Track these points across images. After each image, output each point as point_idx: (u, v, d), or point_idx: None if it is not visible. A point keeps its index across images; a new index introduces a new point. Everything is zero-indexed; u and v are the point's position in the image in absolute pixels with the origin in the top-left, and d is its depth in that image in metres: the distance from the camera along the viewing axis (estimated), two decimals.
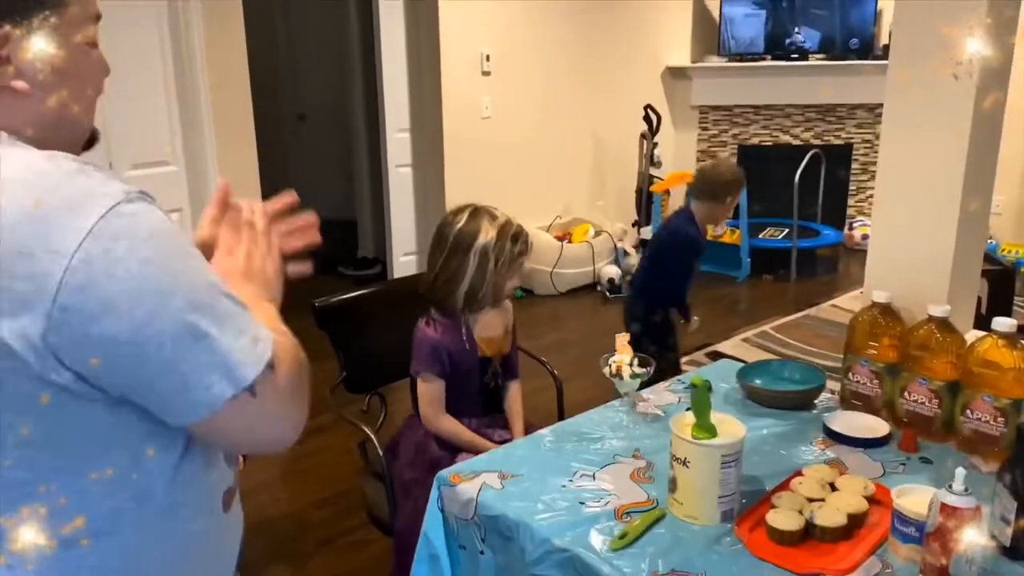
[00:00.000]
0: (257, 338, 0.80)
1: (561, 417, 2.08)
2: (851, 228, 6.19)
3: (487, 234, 1.85)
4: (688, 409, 1.66)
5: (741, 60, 6.16)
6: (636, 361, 1.67)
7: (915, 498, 1.23)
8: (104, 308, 0.70)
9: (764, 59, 6.13)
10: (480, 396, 1.92)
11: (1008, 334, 1.46)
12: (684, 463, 1.30)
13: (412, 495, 1.80)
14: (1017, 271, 4.37)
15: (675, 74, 6.23)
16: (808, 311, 4.84)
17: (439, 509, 1.47)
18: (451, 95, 4.70)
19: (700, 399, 1.28)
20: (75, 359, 0.71)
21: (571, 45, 5.33)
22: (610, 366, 1.68)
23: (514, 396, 1.98)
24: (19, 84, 0.77)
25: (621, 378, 1.66)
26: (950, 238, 1.66)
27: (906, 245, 1.75)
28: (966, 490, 1.09)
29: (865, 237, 6.09)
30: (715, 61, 6.20)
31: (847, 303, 4.98)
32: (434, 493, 1.47)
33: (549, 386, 2.19)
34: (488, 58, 4.85)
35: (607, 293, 5.05)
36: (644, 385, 1.73)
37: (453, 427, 1.87)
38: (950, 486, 1.11)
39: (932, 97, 1.66)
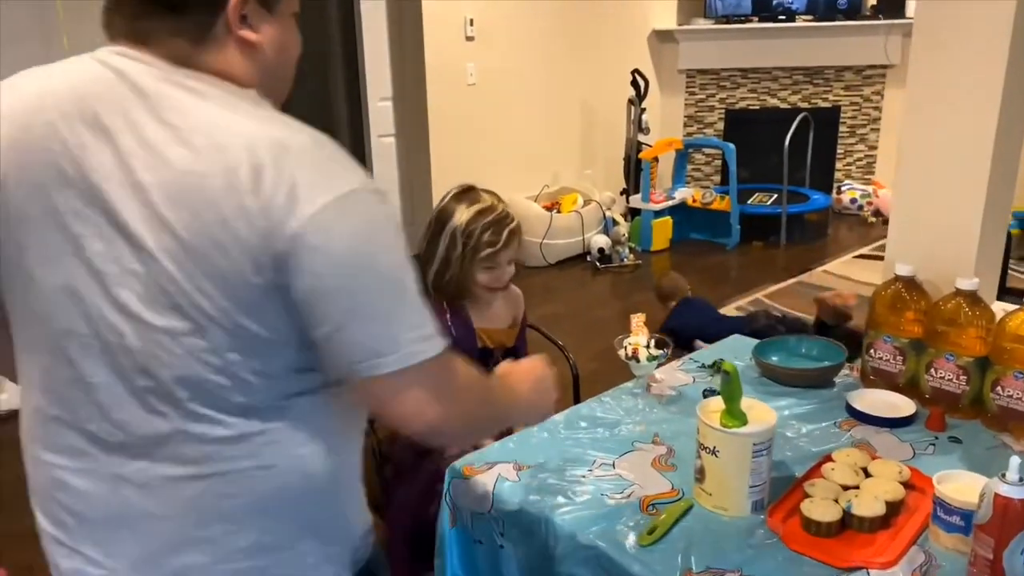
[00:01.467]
0: (434, 332, 0.90)
1: (576, 396, 2.01)
2: (839, 192, 6.15)
3: (459, 217, 1.75)
4: (706, 393, 1.61)
5: (728, 22, 6.05)
6: (652, 342, 1.60)
7: (957, 484, 1.17)
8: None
9: (751, 21, 6.02)
10: None
11: None
12: (713, 452, 1.23)
13: (405, 479, 1.74)
14: (1013, 233, 4.35)
15: (662, 37, 6.12)
16: (800, 277, 4.80)
17: (447, 503, 1.40)
18: (435, 62, 4.56)
19: (732, 385, 1.20)
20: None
21: (557, 8, 5.19)
22: (625, 348, 1.60)
23: None
24: (252, 35, 0.89)
25: (638, 360, 1.59)
26: (978, 205, 1.59)
27: (930, 213, 1.68)
28: (1021, 480, 1.03)
29: (853, 200, 6.06)
30: (702, 23, 6.09)
31: (839, 268, 4.95)
32: (446, 487, 1.40)
33: (556, 359, 2.12)
34: (472, 23, 4.71)
35: (597, 263, 4.98)
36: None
37: None
38: (1003, 475, 1.04)
39: (961, 53, 1.58)
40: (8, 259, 0.89)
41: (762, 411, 1.27)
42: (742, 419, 1.23)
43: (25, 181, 0.86)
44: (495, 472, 1.36)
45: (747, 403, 1.26)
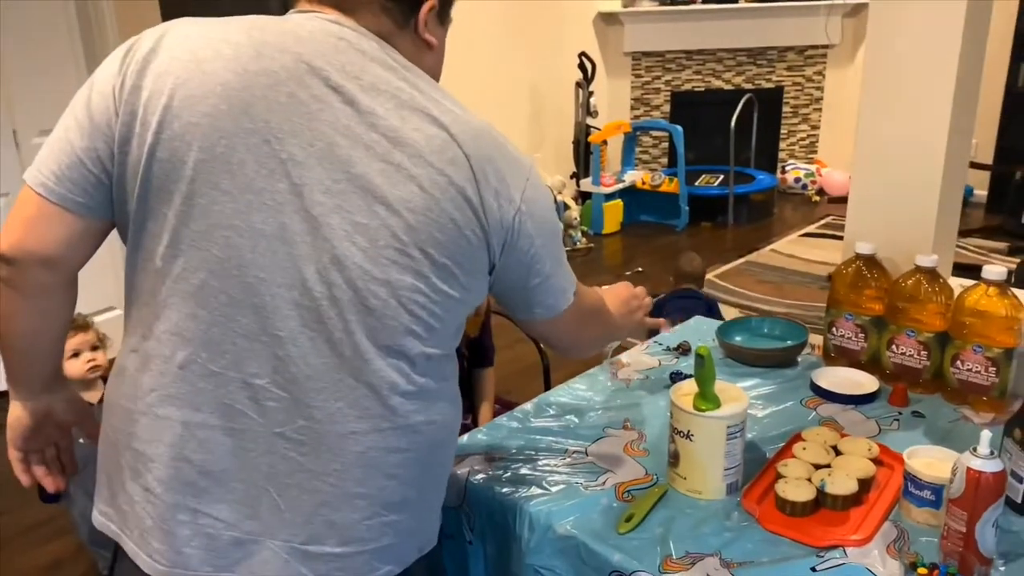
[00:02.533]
0: (571, 273, 1.09)
1: (547, 380, 2.00)
2: (784, 172, 6.24)
3: None
4: (674, 376, 1.61)
5: (673, 4, 6.07)
6: None
7: (927, 459, 1.19)
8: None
9: (695, 2, 6.05)
10: None
11: (998, 282, 1.43)
12: (687, 436, 1.23)
13: None
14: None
15: (607, 19, 6.11)
16: (748, 257, 4.86)
17: None
18: None
19: (706, 369, 1.20)
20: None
21: None
22: None
23: (482, 383, 1.89)
24: (431, 38, 0.99)
25: None
26: (935, 183, 1.62)
27: (889, 192, 1.69)
28: (992, 453, 1.05)
29: (798, 180, 6.16)
30: (646, 5, 6.10)
31: (786, 247, 5.03)
32: None
33: (521, 339, 2.10)
34: None
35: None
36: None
37: None
38: (975, 449, 1.06)
39: (916, 33, 1.59)
40: (190, 201, 0.86)
41: (734, 393, 1.26)
42: (716, 402, 1.22)
43: (240, 125, 0.86)
44: (467, 464, 1.34)
45: (720, 386, 1.26)
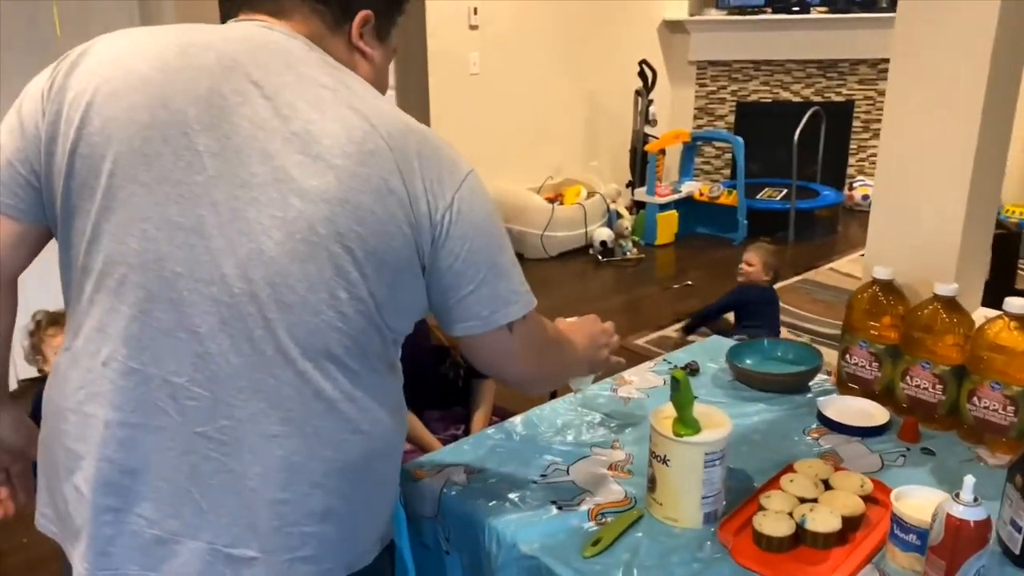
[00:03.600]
0: (527, 291, 1.03)
1: (552, 394, 1.96)
2: (851, 188, 6.04)
3: None
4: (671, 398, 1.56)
5: (741, 13, 5.95)
6: None
7: (916, 500, 1.12)
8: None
9: (764, 12, 5.92)
10: (435, 387, 1.80)
11: (1021, 315, 1.34)
12: (664, 461, 1.19)
13: None
14: (1022, 233, 4.24)
15: (672, 28, 6.02)
16: (805, 275, 4.72)
17: (400, 505, 1.36)
18: (437, 51, 4.51)
19: (682, 393, 1.15)
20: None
21: None
22: None
23: (479, 393, 1.87)
24: (367, 49, 0.99)
25: None
26: (960, 207, 1.53)
27: (911, 215, 1.61)
28: (975, 500, 0.98)
29: (866, 197, 5.95)
30: (714, 14, 5.99)
31: (845, 266, 4.86)
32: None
33: None
34: (476, 11, 4.65)
35: (599, 257, 4.92)
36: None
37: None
38: (957, 495, 0.99)
39: (945, 45, 1.51)
40: (110, 195, 0.88)
41: (717, 418, 1.22)
42: (694, 427, 1.18)
43: (158, 118, 0.87)
44: (444, 476, 1.32)
45: (703, 410, 1.21)
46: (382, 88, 1.03)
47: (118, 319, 0.89)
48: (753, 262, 3.55)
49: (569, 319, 1.32)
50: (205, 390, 0.88)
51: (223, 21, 0.98)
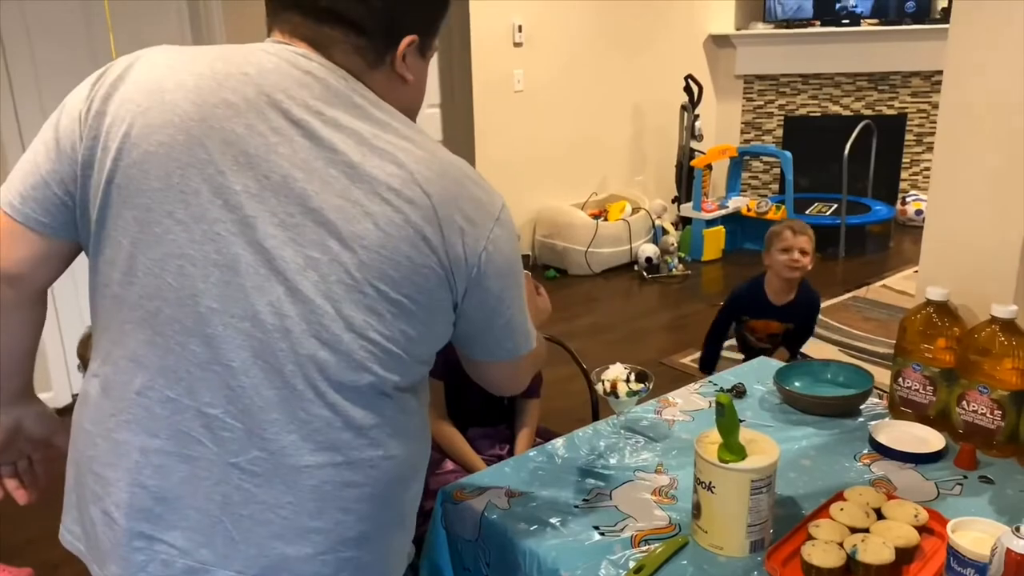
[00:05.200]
0: (532, 328, 1.08)
1: (595, 416, 1.94)
2: (904, 203, 5.90)
3: None
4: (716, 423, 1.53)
5: (788, 27, 5.87)
6: (633, 376, 1.50)
7: (975, 533, 1.08)
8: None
9: (813, 25, 5.83)
10: (480, 404, 1.80)
11: None
12: (709, 488, 1.16)
13: None
14: None
15: (719, 42, 5.97)
16: (856, 292, 4.61)
17: (442, 527, 1.36)
18: (482, 68, 4.54)
19: (727, 418, 1.13)
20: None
21: (607, 13, 5.11)
22: (603, 383, 1.50)
23: (524, 414, 1.86)
24: (408, 75, 0.98)
25: (617, 396, 1.48)
26: (1018, 225, 1.47)
27: (966, 233, 1.56)
28: None
29: (919, 212, 5.80)
30: (761, 28, 5.92)
31: (898, 283, 4.74)
32: (437, 510, 1.36)
33: (579, 373, 2.05)
34: (520, 29, 4.67)
35: (644, 273, 4.88)
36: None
37: (448, 434, 1.79)
38: (1018, 528, 0.95)
39: (1000, 58, 1.46)
40: (147, 229, 0.88)
41: (765, 444, 1.19)
42: (740, 453, 1.15)
43: (196, 156, 0.87)
44: (485, 498, 1.31)
45: (749, 435, 1.19)
46: (420, 99, 1.04)
47: (154, 350, 0.90)
48: (808, 248, 2.74)
49: None
50: (238, 422, 0.90)
51: (267, 28, 0.97)
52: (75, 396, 3.03)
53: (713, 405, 1.62)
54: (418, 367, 0.99)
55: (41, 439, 1.12)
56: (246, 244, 0.87)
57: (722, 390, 1.69)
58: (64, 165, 0.91)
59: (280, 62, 0.92)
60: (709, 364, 2.89)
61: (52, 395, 3.13)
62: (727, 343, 2.93)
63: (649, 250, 4.90)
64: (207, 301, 0.88)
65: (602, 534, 1.22)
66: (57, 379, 3.15)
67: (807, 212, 5.41)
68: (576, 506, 1.29)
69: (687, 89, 5.22)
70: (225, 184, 0.87)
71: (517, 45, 4.69)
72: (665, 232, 5.09)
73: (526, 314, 1.05)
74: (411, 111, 1.01)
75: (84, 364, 2.10)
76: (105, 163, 0.89)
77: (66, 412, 1.10)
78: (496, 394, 1.21)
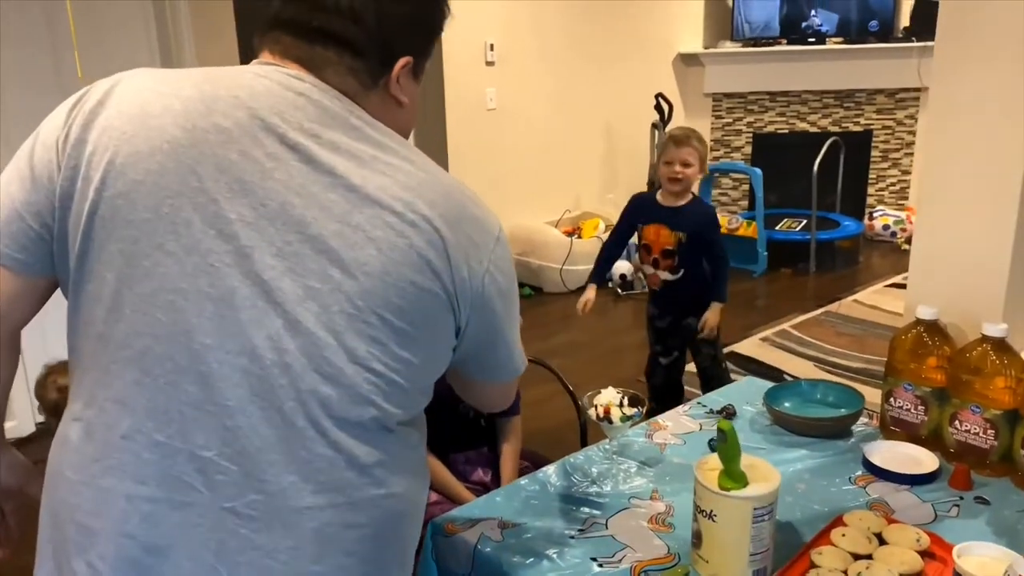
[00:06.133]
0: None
1: (584, 439, 1.91)
2: (871, 218, 5.98)
3: None
4: (712, 444, 1.50)
5: (756, 45, 5.95)
6: (626, 400, 1.47)
7: (980, 558, 1.06)
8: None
9: (780, 43, 5.92)
10: (456, 428, 1.75)
11: None
12: (710, 516, 1.13)
13: None
14: None
15: (687, 61, 6.03)
16: (828, 307, 4.64)
17: (433, 560, 1.31)
18: (454, 86, 4.52)
19: (729, 445, 1.11)
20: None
21: (579, 32, 5.13)
22: (596, 408, 1.47)
23: (510, 433, 1.82)
24: (402, 96, 0.96)
25: (610, 421, 1.45)
26: (1006, 242, 1.48)
27: (954, 250, 1.56)
28: None
29: (886, 227, 5.89)
30: (729, 46, 5.99)
31: (869, 298, 4.78)
32: (427, 543, 1.31)
33: (560, 392, 2.02)
34: (492, 47, 4.67)
35: (619, 290, 4.87)
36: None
37: (431, 464, 1.73)
38: None
39: (986, 73, 1.47)
40: (134, 263, 0.83)
41: (765, 471, 1.16)
42: (742, 480, 1.12)
43: (187, 184, 0.83)
44: (478, 531, 1.27)
45: (749, 461, 1.16)
46: (413, 121, 1.03)
47: (142, 391, 0.85)
48: (692, 160, 2.64)
49: None
50: (234, 464, 0.85)
51: (254, 48, 0.94)
52: (39, 425, 2.93)
53: (703, 427, 1.61)
54: (419, 398, 0.95)
55: (14, 489, 1.06)
56: (242, 276, 0.83)
57: (712, 412, 1.67)
58: (40, 196, 0.86)
59: (272, 84, 0.88)
60: (599, 273, 2.95)
61: (15, 424, 3.01)
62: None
63: (623, 267, 4.90)
64: (201, 337, 0.83)
65: (600, 566, 1.18)
66: (20, 408, 3.04)
67: (777, 228, 5.46)
68: (572, 536, 1.25)
69: (658, 107, 5.26)
70: (219, 213, 0.83)
71: (489, 64, 4.69)
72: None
73: (517, 335, 1.04)
74: (404, 133, 0.99)
75: (44, 406, 1.99)
76: (87, 194, 0.84)
77: (28, 442, 1.04)
78: (486, 412, 1.21)
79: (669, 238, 2.73)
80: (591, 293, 2.81)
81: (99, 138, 0.84)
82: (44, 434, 1.39)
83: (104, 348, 0.86)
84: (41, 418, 2.37)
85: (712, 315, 2.77)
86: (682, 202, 2.74)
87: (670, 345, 2.92)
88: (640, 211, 2.84)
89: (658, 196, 2.80)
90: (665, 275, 2.78)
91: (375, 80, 0.93)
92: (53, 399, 1.88)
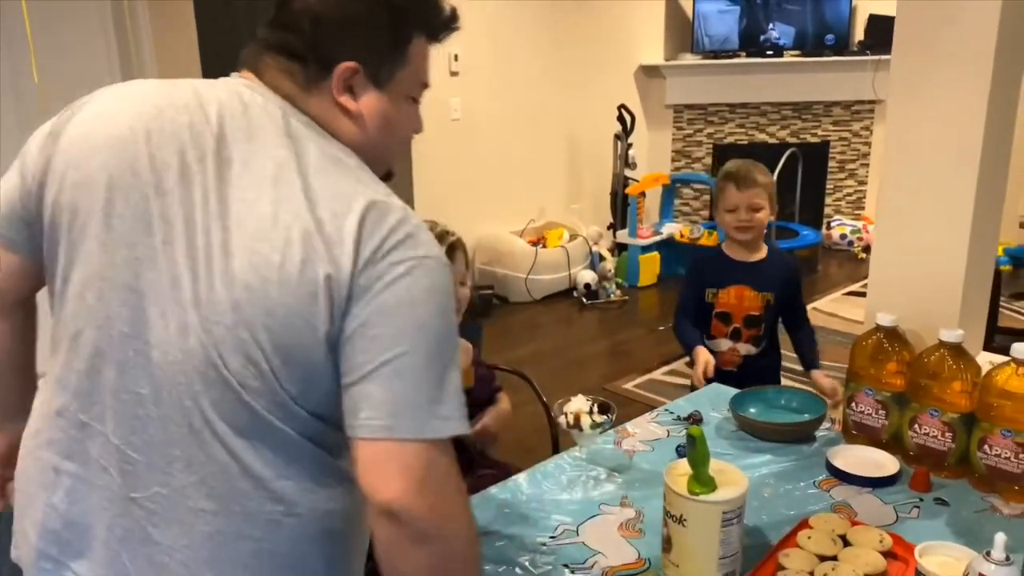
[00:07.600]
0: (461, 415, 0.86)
1: (555, 448, 1.90)
2: (829, 227, 6.10)
3: None
4: (680, 450, 1.52)
5: (715, 57, 6.04)
6: (595, 407, 1.48)
7: (942, 557, 1.10)
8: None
9: (739, 56, 6.02)
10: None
11: None
12: (680, 521, 1.15)
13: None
14: (999, 271, 4.29)
15: (649, 72, 6.10)
16: None
17: None
18: None
19: (698, 450, 1.12)
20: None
21: (542, 44, 5.17)
22: (566, 416, 1.48)
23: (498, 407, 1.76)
24: (351, 104, 0.92)
25: (580, 429, 1.47)
26: (962, 252, 1.53)
27: (912, 259, 1.61)
28: (1007, 559, 0.95)
29: (843, 236, 6.01)
30: (689, 59, 6.07)
31: (827, 306, 4.88)
32: None
33: (531, 400, 2.02)
34: (456, 58, 4.68)
35: (584, 299, 4.90)
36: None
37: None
38: (988, 553, 0.96)
39: (942, 87, 1.52)
40: (74, 249, 0.89)
41: (733, 475, 1.18)
42: (710, 485, 1.14)
43: (124, 180, 0.87)
44: None
45: (717, 466, 1.18)
46: (389, 142, 0.98)
47: (72, 372, 0.90)
48: (762, 202, 2.11)
49: None
50: (140, 455, 0.87)
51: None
52: None
53: (671, 434, 1.63)
54: (312, 421, 0.88)
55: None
56: (162, 270, 0.86)
57: (678, 418, 1.70)
58: (27, 184, 0.93)
59: (220, 94, 0.91)
60: (690, 344, 2.18)
61: None
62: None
63: (588, 276, 4.94)
64: (120, 326, 0.87)
65: (573, 572, 1.19)
66: None
67: None
68: (544, 544, 1.26)
69: (620, 118, 5.32)
70: (147, 209, 0.86)
71: (454, 74, 4.70)
72: (602, 258, 5.14)
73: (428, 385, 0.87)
74: (378, 147, 0.95)
75: None
76: (52, 183, 0.90)
77: None
78: None
79: (755, 301, 2.14)
80: (707, 354, 2.10)
81: (70, 132, 0.91)
82: None
83: (55, 327, 0.92)
84: None
85: (828, 380, 2.12)
86: (760, 255, 2.17)
87: None
88: (710, 272, 2.21)
89: (725, 249, 2.21)
90: (747, 348, 2.18)
91: (314, 82, 0.91)
92: None
